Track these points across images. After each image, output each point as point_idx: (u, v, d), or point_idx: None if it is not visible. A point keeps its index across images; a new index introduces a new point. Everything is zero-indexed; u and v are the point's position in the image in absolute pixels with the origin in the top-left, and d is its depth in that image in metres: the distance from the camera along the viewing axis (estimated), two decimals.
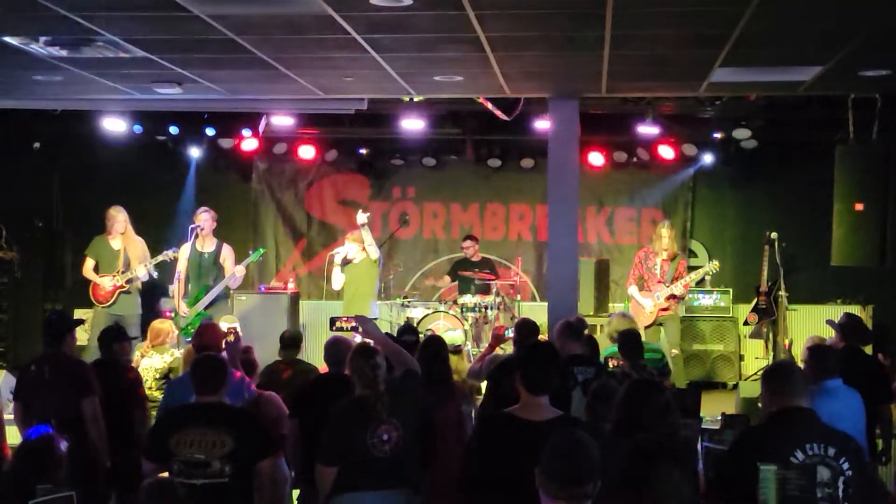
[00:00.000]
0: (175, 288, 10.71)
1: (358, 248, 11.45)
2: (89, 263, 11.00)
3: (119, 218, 10.97)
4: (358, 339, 7.54)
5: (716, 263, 11.71)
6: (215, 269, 10.81)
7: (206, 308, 10.56)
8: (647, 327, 10.81)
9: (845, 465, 4.18)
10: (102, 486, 6.65)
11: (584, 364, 6.78)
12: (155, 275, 11.19)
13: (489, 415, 4.95)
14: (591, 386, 6.22)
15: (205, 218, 10.81)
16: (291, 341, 8.08)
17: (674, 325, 11.28)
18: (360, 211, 11.43)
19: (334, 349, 6.41)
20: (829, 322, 8.13)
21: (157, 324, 8.90)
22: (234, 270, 10.70)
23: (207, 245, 10.82)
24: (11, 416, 6.93)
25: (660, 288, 11.01)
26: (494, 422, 4.87)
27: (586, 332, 7.54)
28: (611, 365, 7.64)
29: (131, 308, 10.95)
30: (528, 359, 4.82)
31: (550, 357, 4.89)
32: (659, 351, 8.68)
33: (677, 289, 11.08)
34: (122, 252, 10.97)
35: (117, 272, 10.88)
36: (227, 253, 10.87)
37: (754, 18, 6.08)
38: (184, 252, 10.78)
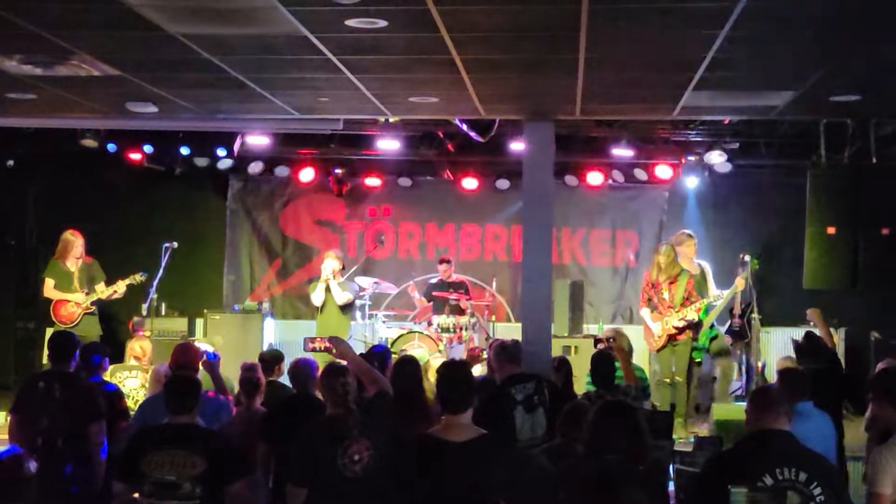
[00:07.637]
0: None
1: (338, 265, 11.52)
2: (50, 283, 10.93)
3: (77, 243, 10.95)
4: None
5: (741, 281, 11.22)
6: None
7: None
8: (658, 350, 10.78)
9: (817, 491, 4.14)
10: None
11: (522, 381, 6.74)
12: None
13: (415, 436, 5.01)
14: (533, 400, 6.31)
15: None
16: (267, 363, 7.98)
17: (684, 350, 10.86)
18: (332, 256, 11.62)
19: (299, 370, 6.40)
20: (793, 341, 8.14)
21: (136, 342, 8.89)
22: None
23: None
24: None
25: (670, 313, 10.80)
26: (417, 443, 4.93)
27: (560, 352, 7.55)
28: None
29: (94, 328, 10.87)
30: (441, 379, 4.94)
31: (462, 375, 5.01)
32: (641, 370, 8.59)
33: (689, 314, 10.74)
34: (76, 274, 10.89)
35: (84, 294, 10.81)
36: None
37: (727, 44, 6.14)
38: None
